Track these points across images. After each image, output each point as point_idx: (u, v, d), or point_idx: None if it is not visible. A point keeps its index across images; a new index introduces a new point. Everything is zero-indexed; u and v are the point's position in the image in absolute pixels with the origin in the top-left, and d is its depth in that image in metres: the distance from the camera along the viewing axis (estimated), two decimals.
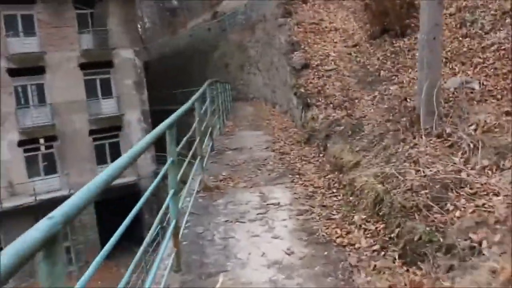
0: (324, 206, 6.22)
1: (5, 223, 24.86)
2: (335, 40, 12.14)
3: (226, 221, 5.99)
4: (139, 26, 51.58)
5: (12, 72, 25.61)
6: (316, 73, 10.39)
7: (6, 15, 25.66)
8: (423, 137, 6.16)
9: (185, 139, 6.06)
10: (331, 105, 8.94)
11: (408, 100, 7.74)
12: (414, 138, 6.37)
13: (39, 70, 26.34)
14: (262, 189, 7.14)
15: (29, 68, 25.90)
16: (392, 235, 4.91)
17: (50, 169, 26.80)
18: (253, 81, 25.18)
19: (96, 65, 27.72)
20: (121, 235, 2.50)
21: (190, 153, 7.07)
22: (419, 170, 5.43)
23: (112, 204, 25.58)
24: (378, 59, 10.09)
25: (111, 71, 28.53)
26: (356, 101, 8.81)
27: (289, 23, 13.77)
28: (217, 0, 34.25)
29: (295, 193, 6.82)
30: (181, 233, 5.23)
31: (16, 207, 24.68)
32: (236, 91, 27.64)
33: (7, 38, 25.49)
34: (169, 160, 4.41)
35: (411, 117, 6.98)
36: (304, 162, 8.12)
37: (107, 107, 28.23)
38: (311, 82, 10.13)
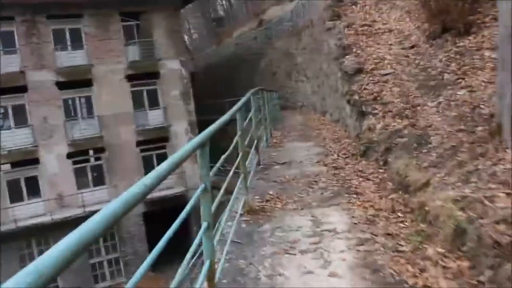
0: (389, 234, 5.16)
1: (55, 234, 24.66)
2: (389, 42, 11.01)
3: (274, 252, 5.03)
4: (186, 37, 51.51)
5: (61, 85, 25.49)
6: (371, 78, 9.31)
7: (55, 29, 25.59)
8: (511, 150, 5.04)
9: (220, 161, 5.15)
10: (390, 113, 7.86)
11: (482, 106, 6.59)
12: (497, 152, 5.25)
13: (87, 83, 26.14)
14: (314, 211, 6.15)
15: (77, 81, 25.72)
16: (482, 278, 3.83)
17: (99, 181, 26.52)
18: (301, 88, 24.19)
19: (143, 77, 27.36)
20: (164, 247, 2.40)
21: (232, 170, 6.17)
22: (511, 194, 4.34)
23: (160, 215, 25.07)
24: (440, 61, 8.93)
25: (158, 82, 28.11)
26: (419, 108, 7.69)
27: (339, 26, 12.73)
28: (262, 9, 33.47)
29: (353, 217, 5.79)
30: (218, 272, 4.30)
31: (65, 219, 24.44)
32: (284, 99, 26.73)
33: (56, 51, 25.40)
34: (200, 187, 3.53)
35: (490, 126, 5.86)
36: (361, 179, 7.07)
37: (154, 118, 27.81)
38: (365, 88, 9.06)
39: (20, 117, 25.12)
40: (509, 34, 5.42)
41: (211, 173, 3.77)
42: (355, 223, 5.59)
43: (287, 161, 8.98)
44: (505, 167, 4.89)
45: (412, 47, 10.25)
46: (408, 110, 7.74)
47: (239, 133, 6.39)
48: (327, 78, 14.67)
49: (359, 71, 9.76)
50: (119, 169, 26.68)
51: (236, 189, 6.20)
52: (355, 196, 6.47)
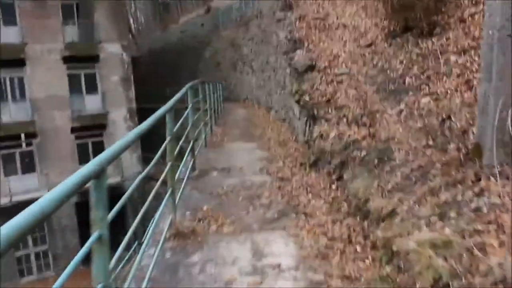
0: (346, 277, 4.09)
1: None
2: (344, 39, 9.99)
3: None
4: (131, 21, 49.27)
5: None
6: (324, 78, 8.24)
7: None
8: (498, 179, 4.05)
9: (142, 174, 4.00)
10: (345, 119, 6.81)
11: (452, 118, 5.62)
12: (478, 179, 4.27)
13: (19, 62, 24.02)
14: (255, 237, 5.01)
15: (8, 60, 23.56)
16: None
17: (29, 168, 24.51)
18: (246, 81, 23.04)
19: (81, 59, 25.44)
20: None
21: (159, 181, 5.01)
22: (504, 243, 3.33)
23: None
24: (401, 62, 7.95)
25: (97, 66, 26.27)
26: (378, 115, 6.66)
27: (290, 18, 11.61)
28: None
29: (301, 247, 4.69)
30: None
31: None
32: (228, 91, 25.50)
33: None
34: (93, 235, 2.46)
35: (465, 145, 4.88)
36: (311, 196, 5.98)
37: (91, 103, 25.98)
38: (317, 89, 7.98)
39: None
40: (496, 38, 4.43)
41: (109, 216, 2.60)
42: (305, 257, 4.49)
43: (226, 166, 7.80)
44: (492, 201, 3.90)
45: (369, 45, 9.24)
46: (365, 117, 6.70)
47: (168, 138, 5.17)
48: (274, 73, 13.57)
49: (311, 68, 8.67)
50: (51, 156, 24.76)
51: (162, 205, 5.01)
52: (303, 218, 5.38)
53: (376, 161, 5.41)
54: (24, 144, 24.34)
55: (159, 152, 4.87)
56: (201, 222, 5.42)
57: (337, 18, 11.03)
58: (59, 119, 25.02)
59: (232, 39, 25.42)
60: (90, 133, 25.88)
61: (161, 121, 4.77)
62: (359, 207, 4.89)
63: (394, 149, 5.55)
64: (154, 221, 4.76)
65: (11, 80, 24.10)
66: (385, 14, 9.61)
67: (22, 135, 24.07)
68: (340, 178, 5.98)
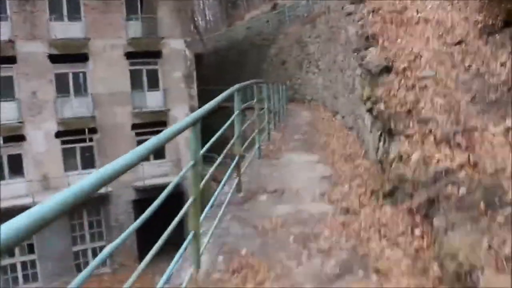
0: None
1: None
2: (426, 35, 8.25)
3: None
4: (199, 17, 48.65)
5: (53, 58, 22.91)
6: (403, 82, 6.57)
7: None
8: None
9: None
10: (432, 137, 5.16)
11: None
12: None
13: (82, 57, 23.53)
14: None
15: (72, 55, 23.12)
16: None
17: (88, 163, 24.00)
18: (312, 81, 21.45)
19: (143, 55, 24.69)
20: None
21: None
22: None
23: (152, 204, 22.78)
24: (502, 65, 6.20)
25: (159, 62, 25.44)
26: (476, 134, 4.99)
27: (361, 11, 9.95)
28: None
29: None
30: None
31: None
32: (293, 90, 24.03)
33: (50, 22, 22.77)
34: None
35: None
36: (385, 241, 4.40)
37: (153, 100, 25.18)
38: (395, 95, 6.34)
39: (7, 90, 22.56)
40: None
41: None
42: None
43: (279, 188, 6.29)
44: None
45: (459, 43, 7.46)
46: (460, 136, 5.01)
47: (191, 163, 3.79)
48: (341, 74, 11.93)
49: (387, 70, 7.02)
50: (111, 152, 24.07)
51: (183, 247, 3.66)
52: (375, 278, 3.82)
53: (482, 204, 3.76)
54: (86, 139, 23.87)
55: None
56: (235, 275, 3.96)
57: (417, 11, 9.26)
58: (120, 115, 24.40)
59: (298, 37, 23.88)
60: (150, 130, 25.00)
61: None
62: (459, 276, 3.28)
63: (507, 188, 3.87)
64: (168, 271, 3.39)
65: (74, 75, 23.64)
66: (479, 6, 7.80)
67: (86, 130, 23.61)
68: (426, 217, 4.37)
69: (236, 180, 6.12)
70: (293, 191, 6.15)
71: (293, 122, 14.52)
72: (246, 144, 7.75)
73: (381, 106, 6.26)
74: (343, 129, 11.05)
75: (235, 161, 5.97)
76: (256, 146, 8.43)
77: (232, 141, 5.94)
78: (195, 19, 43.45)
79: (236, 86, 6.12)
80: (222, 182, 5.69)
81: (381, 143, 6.07)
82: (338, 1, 14.56)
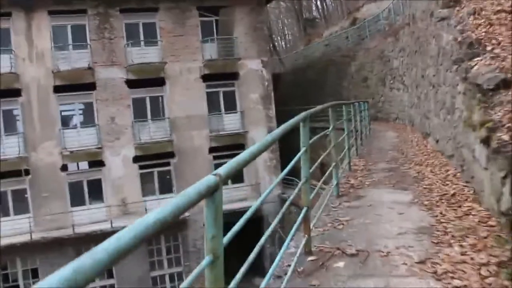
0: None
1: None
2: None
3: None
4: (278, 38, 47.53)
5: (131, 83, 22.39)
6: None
7: (128, 23, 22.50)
8: None
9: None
10: None
11: None
12: None
13: (159, 82, 22.85)
14: None
15: (149, 80, 22.50)
16: None
17: (166, 188, 23.15)
18: (396, 98, 19.39)
19: (220, 77, 23.67)
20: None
21: None
22: None
23: (230, 229, 21.52)
24: None
25: (236, 84, 24.29)
26: None
27: (459, 14, 8.04)
28: (356, 6, 28.62)
29: None
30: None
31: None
32: (376, 109, 22.03)
33: (127, 47, 22.31)
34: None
35: None
36: None
37: (230, 123, 24.03)
38: None
39: (87, 116, 22.31)
40: None
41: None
42: None
43: (362, 247, 4.58)
44: None
45: None
46: None
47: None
48: (433, 90, 9.96)
49: (505, 84, 5.14)
50: (188, 176, 23.15)
51: None
52: None
53: None
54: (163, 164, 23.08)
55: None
56: None
57: None
58: (197, 138, 23.44)
59: (380, 51, 21.89)
60: (228, 153, 23.88)
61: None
62: None
63: None
64: None
65: (152, 99, 22.99)
66: None
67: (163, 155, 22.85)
68: None
69: (304, 239, 4.47)
70: (381, 254, 4.40)
71: (377, 146, 12.61)
72: (323, 178, 6.14)
73: (505, 136, 4.39)
74: (438, 155, 9.06)
75: (302, 215, 4.34)
76: (334, 182, 6.73)
77: (296, 189, 4.35)
78: (273, 38, 42.38)
79: (302, 114, 4.47)
80: (287, 240, 4.08)
81: (507, 189, 4.19)
82: (425, 6, 12.61)
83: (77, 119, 22.21)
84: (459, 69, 6.36)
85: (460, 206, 5.52)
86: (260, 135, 24.57)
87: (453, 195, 6.00)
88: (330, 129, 6.45)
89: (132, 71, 22.22)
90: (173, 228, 22.32)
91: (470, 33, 6.72)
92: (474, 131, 5.37)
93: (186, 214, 22.15)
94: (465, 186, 6.23)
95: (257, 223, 23.56)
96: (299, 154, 4.48)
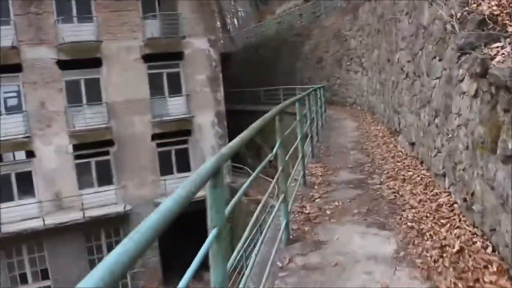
0: None
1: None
2: None
3: None
4: (228, 15, 44.70)
5: (63, 65, 19.46)
6: None
7: None
8: None
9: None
10: None
11: None
12: None
13: (95, 62, 19.99)
14: None
15: (83, 60, 19.61)
16: None
17: (105, 179, 20.52)
18: (354, 81, 17.35)
19: (163, 57, 20.98)
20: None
21: None
22: None
23: (175, 222, 19.19)
24: None
25: (181, 64, 21.67)
26: None
27: None
28: None
29: None
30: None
31: (61, 224, 18.77)
32: (331, 92, 19.96)
33: (58, 24, 19.31)
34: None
35: None
36: None
37: (175, 107, 21.45)
38: None
39: (13, 101, 19.33)
40: None
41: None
42: None
43: None
44: None
45: None
46: None
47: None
48: (408, 80, 7.82)
49: None
50: (130, 166, 20.62)
51: None
52: None
53: None
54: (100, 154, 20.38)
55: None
56: None
57: None
58: (139, 125, 20.78)
59: (336, 30, 19.74)
60: (173, 140, 21.44)
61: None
62: None
63: None
64: None
65: (87, 82, 20.13)
66: None
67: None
68: None
69: None
70: None
71: (336, 141, 10.46)
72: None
73: None
74: (415, 164, 6.95)
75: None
76: (282, 220, 4.49)
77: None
78: (223, 15, 39.59)
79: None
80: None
81: None
82: None
83: (1, 105, 19.13)
84: (467, 59, 4.16)
85: (477, 280, 3.39)
86: (207, 120, 22.19)
87: (460, 251, 3.86)
88: (275, 149, 4.20)
89: (63, 50, 19.24)
90: (113, 222, 19.87)
91: (477, 6, 4.52)
92: (505, 164, 3.21)
93: (128, 207, 19.72)
94: (474, 234, 4.10)
95: (202, 216, 21.37)
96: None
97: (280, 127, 4.43)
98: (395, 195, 5.76)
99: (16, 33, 18.65)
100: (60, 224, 18.79)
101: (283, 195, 4.38)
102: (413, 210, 5.06)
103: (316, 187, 6.59)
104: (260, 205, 3.58)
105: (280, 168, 4.35)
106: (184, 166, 21.47)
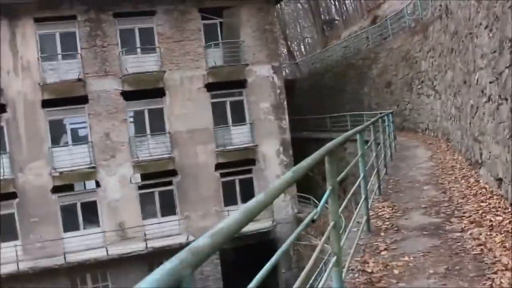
0: None
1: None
2: None
3: None
4: (294, 42, 44.18)
5: (127, 95, 19.44)
6: None
7: (122, 29, 19.59)
8: None
9: None
10: None
11: None
12: None
13: (158, 93, 19.84)
14: None
15: (147, 90, 19.50)
16: None
17: (168, 210, 20.10)
18: (426, 106, 15.97)
19: (226, 85, 20.50)
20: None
21: None
22: None
23: (240, 254, 18.37)
24: None
25: (244, 92, 21.09)
26: None
27: None
28: (377, 3, 25.04)
29: None
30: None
31: (123, 255, 18.48)
32: (402, 117, 18.60)
33: (122, 55, 19.37)
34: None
35: None
36: None
37: (239, 136, 20.81)
38: None
39: (79, 132, 19.47)
40: None
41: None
42: None
43: None
44: None
45: None
46: None
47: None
48: (492, 104, 6.59)
49: None
50: (193, 196, 20.11)
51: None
52: None
53: None
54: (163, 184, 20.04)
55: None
56: None
57: None
58: (202, 154, 20.31)
59: (405, 52, 18.44)
60: (237, 169, 20.75)
61: None
62: None
63: None
64: None
65: (150, 112, 19.98)
66: None
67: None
68: None
69: None
70: None
71: (407, 174, 9.21)
72: None
73: None
74: (509, 211, 5.66)
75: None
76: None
77: None
78: (288, 42, 39.06)
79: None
80: None
81: None
82: None
83: (68, 136, 19.29)
84: None
85: None
86: (272, 148, 21.34)
87: None
88: (322, 202, 3.22)
89: (127, 81, 19.24)
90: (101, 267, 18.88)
91: None
92: None
93: (191, 238, 19.05)
94: None
95: (268, 247, 20.37)
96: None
97: (331, 170, 3.45)
98: (481, 249, 4.55)
99: (82, 65, 18.85)
100: (123, 254, 18.49)
101: (335, 258, 3.36)
102: (508, 274, 3.86)
103: (382, 233, 5.47)
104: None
105: (331, 224, 3.34)
106: (249, 196, 20.40)
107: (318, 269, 10.88)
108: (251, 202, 1.64)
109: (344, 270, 3.91)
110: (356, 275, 4.26)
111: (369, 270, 4.34)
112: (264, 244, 20.07)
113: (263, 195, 1.76)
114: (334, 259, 3.40)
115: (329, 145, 3.44)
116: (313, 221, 2.92)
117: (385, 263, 4.48)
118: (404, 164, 10.53)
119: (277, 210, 20.02)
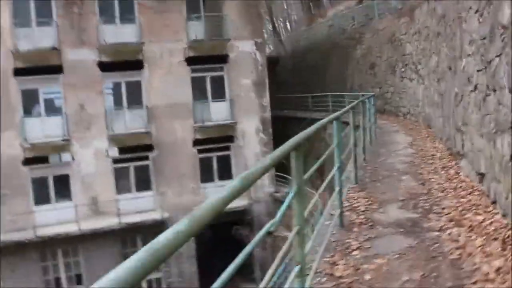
0: None
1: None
2: None
3: None
4: (280, 19, 43.36)
5: (104, 67, 18.69)
6: None
7: None
8: None
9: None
10: None
11: None
12: None
13: (136, 65, 19.13)
14: None
15: (124, 62, 18.78)
16: None
17: (143, 185, 19.61)
18: (409, 90, 15.60)
19: (207, 60, 19.86)
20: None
21: None
22: None
23: (216, 231, 18.04)
24: None
25: (225, 68, 20.48)
26: None
27: None
28: None
29: None
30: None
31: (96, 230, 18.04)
32: (383, 100, 18.24)
33: (100, 25, 18.55)
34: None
35: None
36: None
37: (218, 112, 20.28)
38: None
39: (53, 103, 18.73)
40: None
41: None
42: None
43: None
44: None
45: None
46: None
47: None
48: (478, 94, 6.18)
49: None
50: (169, 172, 19.63)
51: None
52: None
53: None
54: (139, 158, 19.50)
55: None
56: None
57: None
58: (180, 130, 19.75)
59: (390, 34, 17.98)
60: (215, 146, 20.27)
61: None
62: None
63: None
64: None
65: (127, 85, 19.28)
66: None
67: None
68: None
69: None
70: None
71: (385, 162, 8.83)
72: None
73: None
74: (491, 210, 5.26)
75: None
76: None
77: None
78: (274, 18, 38.21)
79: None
80: None
81: None
82: None
83: (41, 107, 18.51)
84: None
85: None
86: (252, 126, 20.87)
87: None
88: (284, 204, 2.78)
89: (105, 52, 18.49)
90: (151, 230, 18.76)
91: None
92: None
93: (166, 215, 18.64)
94: None
95: (246, 224, 20.09)
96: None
97: (298, 167, 3.00)
98: (460, 253, 4.17)
99: (58, 34, 18.02)
100: (96, 229, 18.03)
101: (298, 268, 2.94)
102: (489, 285, 3.49)
103: (355, 229, 5.07)
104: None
105: (295, 229, 2.90)
106: (226, 173, 20.26)
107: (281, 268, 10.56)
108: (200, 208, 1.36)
109: (311, 274, 3.50)
110: (324, 279, 3.86)
111: (338, 274, 3.94)
112: (238, 223, 19.79)
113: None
114: (297, 268, 2.99)
115: (295, 138, 2.96)
116: (269, 233, 2.48)
117: (356, 266, 4.09)
118: (384, 149, 10.15)
119: (254, 189, 19.64)
